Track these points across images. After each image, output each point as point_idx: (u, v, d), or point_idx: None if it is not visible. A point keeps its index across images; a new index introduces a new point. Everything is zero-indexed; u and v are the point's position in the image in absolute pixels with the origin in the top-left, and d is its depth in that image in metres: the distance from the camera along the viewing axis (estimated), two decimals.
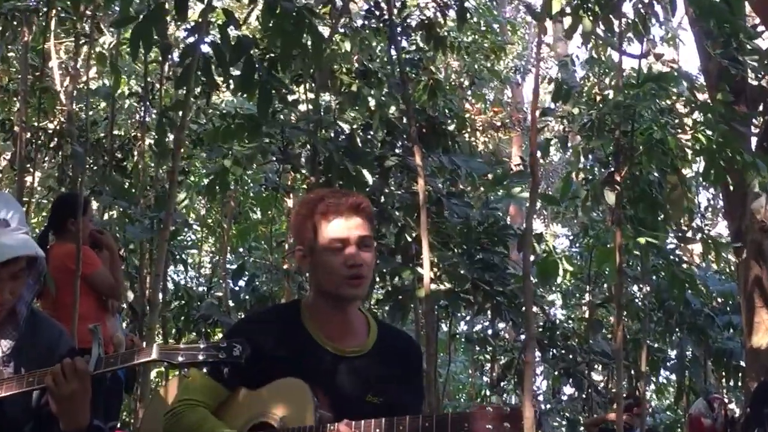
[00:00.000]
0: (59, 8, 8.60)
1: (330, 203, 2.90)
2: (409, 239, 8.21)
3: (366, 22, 8.76)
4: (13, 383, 2.72)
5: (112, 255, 6.34)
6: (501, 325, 12.31)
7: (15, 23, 8.18)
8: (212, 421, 2.79)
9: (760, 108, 10.39)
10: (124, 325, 8.15)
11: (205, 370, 2.75)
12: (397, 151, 8.63)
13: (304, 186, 9.46)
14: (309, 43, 6.02)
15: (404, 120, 8.28)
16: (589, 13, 7.53)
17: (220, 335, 9.45)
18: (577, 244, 12.21)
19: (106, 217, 9.84)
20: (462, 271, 8.37)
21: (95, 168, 9.59)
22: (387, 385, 2.89)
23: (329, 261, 2.86)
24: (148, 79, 9.72)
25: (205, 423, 2.77)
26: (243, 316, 9.53)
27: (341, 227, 2.87)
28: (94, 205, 8.57)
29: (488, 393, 14.25)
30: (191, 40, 5.95)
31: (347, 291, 2.87)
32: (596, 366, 12.57)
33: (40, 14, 8.33)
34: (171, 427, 2.81)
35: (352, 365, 2.88)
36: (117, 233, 8.64)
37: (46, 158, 10.61)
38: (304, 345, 2.88)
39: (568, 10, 7.72)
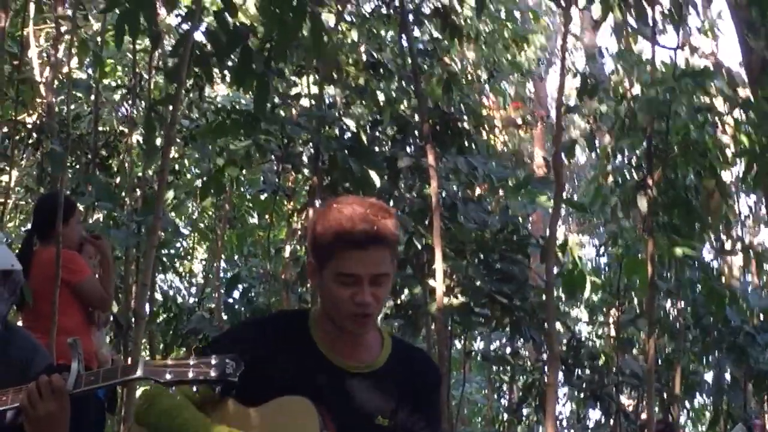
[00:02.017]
0: None
1: (346, 230, 2.75)
2: (420, 247, 8.19)
3: (375, 9, 8.76)
4: None
5: (108, 263, 6.34)
6: (521, 343, 12.28)
7: None
8: (191, 410, 2.73)
9: None
10: (107, 339, 8.15)
11: (195, 389, 2.73)
12: (408, 150, 8.62)
13: (306, 188, 9.46)
14: (308, 32, 6.01)
15: (416, 117, 8.28)
16: (620, 0, 7.52)
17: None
18: (605, 255, 12.18)
19: (90, 220, 9.86)
20: (478, 283, 8.35)
21: (77, 166, 9.61)
22: (399, 406, 2.87)
23: (336, 292, 2.78)
24: (136, 70, 9.73)
25: (181, 411, 2.72)
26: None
27: (354, 261, 2.75)
28: None
29: (506, 417, 14.22)
30: (185, 27, 5.96)
31: (350, 326, 2.82)
32: (625, 388, 12.53)
33: None
34: (143, 413, 2.77)
35: (362, 383, 2.85)
36: None
37: (24, 155, 10.63)
38: (309, 357, 2.85)
39: None
